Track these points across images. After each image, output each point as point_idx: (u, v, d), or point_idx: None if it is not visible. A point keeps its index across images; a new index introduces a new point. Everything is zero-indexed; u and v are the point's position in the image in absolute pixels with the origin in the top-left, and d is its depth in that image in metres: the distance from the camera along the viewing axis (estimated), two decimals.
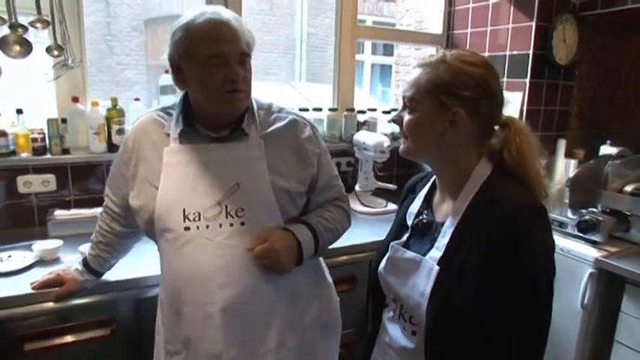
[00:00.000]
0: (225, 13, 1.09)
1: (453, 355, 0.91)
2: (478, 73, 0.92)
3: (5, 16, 1.50)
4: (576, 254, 1.82)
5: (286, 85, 6.65)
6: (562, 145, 2.37)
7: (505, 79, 2.37)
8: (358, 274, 1.83)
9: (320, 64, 8.10)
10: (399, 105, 1.02)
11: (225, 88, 1.07)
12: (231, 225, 1.09)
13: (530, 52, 2.25)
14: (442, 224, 0.96)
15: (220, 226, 1.08)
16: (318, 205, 1.27)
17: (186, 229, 1.08)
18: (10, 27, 1.50)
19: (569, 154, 2.38)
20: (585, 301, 1.78)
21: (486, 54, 2.45)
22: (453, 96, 0.91)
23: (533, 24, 2.23)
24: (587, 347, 1.83)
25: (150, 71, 7.47)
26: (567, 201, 1.95)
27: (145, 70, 7.61)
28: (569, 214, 1.94)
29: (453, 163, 0.96)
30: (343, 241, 1.77)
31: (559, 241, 1.89)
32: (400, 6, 4.81)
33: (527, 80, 2.27)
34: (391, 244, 1.06)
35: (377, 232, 1.91)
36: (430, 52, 2.83)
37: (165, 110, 1.21)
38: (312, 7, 8.37)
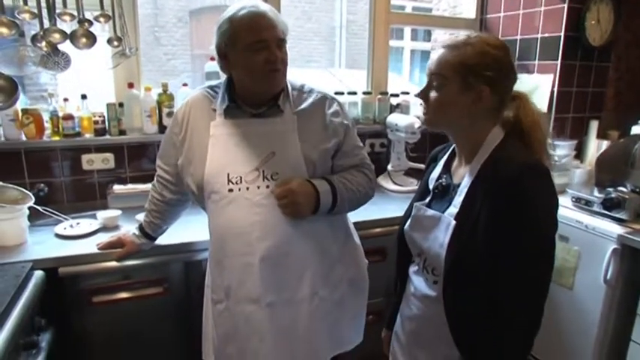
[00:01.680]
0: (263, 6, 1.25)
1: (466, 299, 1.03)
2: (500, 55, 1.02)
3: (74, 13, 1.71)
4: (600, 231, 1.86)
5: (325, 71, 6.75)
6: (594, 126, 2.38)
7: (536, 62, 2.40)
8: (388, 246, 1.95)
9: (359, 50, 8.12)
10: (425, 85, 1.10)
11: (267, 68, 1.23)
12: (267, 187, 1.25)
13: (562, 34, 2.26)
14: (459, 185, 1.08)
15: (258, 188, 1.25)
16: (342, 170, 1.39)
17: (230, 190, 1.26)
18: (79, 22, 1.72)
19: (603, 136, 2.39)
20: (608, 277, 1.83)
21: (518, 37, 2.49)
22: (478, 75, 1.00)
23: (565, 6, 2.24)
24: (611, 321, 1.88)
25: (195, 60, 7.75)
26: None
27: (189, 59, 7.91)
28: (596, 193, 1.98)
29: (471, 132, 1.06)
30: (376, 215, 1.93)
31: (584, 218, 1.94)
32: None
33: (559, 62, 2.29)
34: (415, 204, 1.19)
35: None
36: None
37: (212, 88, 1.38)
38: None
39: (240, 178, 1.25)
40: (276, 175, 1.26)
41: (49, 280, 1.44)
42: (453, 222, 1.04)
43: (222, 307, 1.31)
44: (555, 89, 2.32)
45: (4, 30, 1.55)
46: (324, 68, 7.70)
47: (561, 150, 2.26)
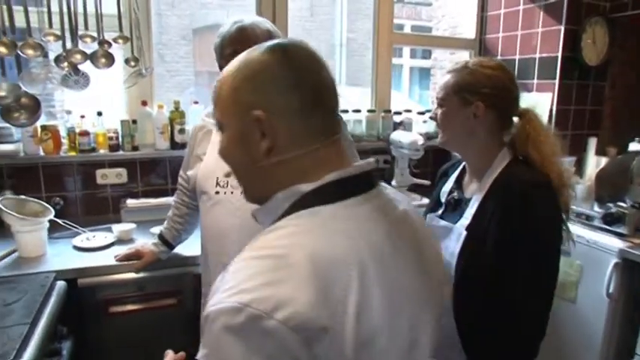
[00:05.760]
0: (248, 20, 1.33)
1: (475, 305, 1.09)
2: (494, 74, 1.13)
3: (95, 35, 1.79)
4: (602, 245, 1.91)
5: None
6: (593, 143, 2.45)
7: (535, 81, 2.49)
8: None
9: (359, 68, 8.26)
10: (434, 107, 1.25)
11: None
12: None
13: (559, 54, 2.35)
14: (469, 199, 1.16)
15: (241, 192, 1.31)
16: None
17: (217, 192, 1.33)
18: (99, 43, 1.80)
19: (601, 152, 2.45)
20: (611, 290, 1.87)
21: (517, 57, 2.58)
22: (473, 92, 1.13)
23: (562, 27, 2.33)
24: (615, 335, 1.91)
25: (198, 76, 7.89)
26: None
27: (193, 75, 8.04)
28: (596, 208, 2.03)
29: (480, 152, 1.17)
30: None
31: (586, 233, 1.99)
32: (436, 11, 4.93)
33: (557, 81, 2.38)
34: (428, 215, 1.27)
35: None
36: (464, 55, 2.96)
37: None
38: (351, 12, 8.55)
39: (227, 182, 1.32)
40: None
41: (68, 290, 1.49)
42: (464, 232, 1.11)
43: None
44: (554, 107, 2.40)
45: (31, 51, 1.63)
46: None
47: None
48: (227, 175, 0.83)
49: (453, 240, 1.14)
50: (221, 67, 1.36)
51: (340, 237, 0.62)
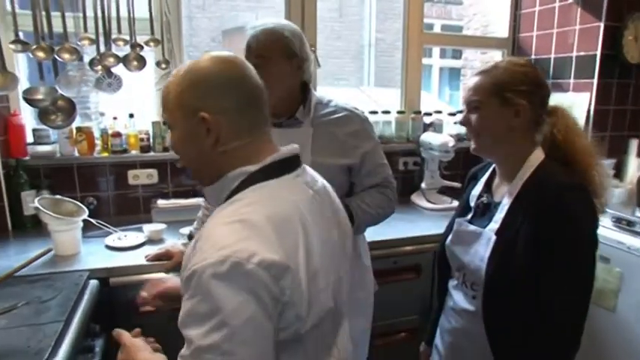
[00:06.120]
0: (264, 24, 1.33)
1: (506, 313, 1.06)
2: (528, 71, 1.10)
3: (127, 38, 1.83)
4: None
5: (355, 89, 6.84)
6: (634, 144, 2.34)
7: (572, 80, 2.40)
8: (422, 263, 1.96)
9: (388, 68, 8.20)
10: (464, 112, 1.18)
11: None
12: None
13: (598, 52, 2.26)
14: (499, 203, 1.13)
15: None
16: (363, 188, 1.44)
17: None
18: (131, 46, 1.84)
19: None
20: None
21: (552, 56, 2.49)
22: (514, 91, 1.08)
23: (602, 24, 2.24)
24: None
25: None
26: None
27: None
28: (637, 213, 1.94)
29: (513, 153, 1.12)
30: (409, 233, 1.95)
31: (626, 239, 1.90)
32: (467, 10, 4.84)
33: (595, 81, 2.29)
34: (456, 219, 1.24)
35: (441, 226, 1.99)
36: (496, 55, 2.89)
37: None
38: (380, 12, 8.51)
39: None
40: None
41: (101, 288, 1.52)
42: (494, 237, 1.08)
43: None
44: (592, 107, 2.31)
45: (67, 55, 1.68)
46: (353, 86, 7.80)
47: None
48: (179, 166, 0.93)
49: (483, 245, 1.11)
50: None
51: (286, 203, 0.80)
